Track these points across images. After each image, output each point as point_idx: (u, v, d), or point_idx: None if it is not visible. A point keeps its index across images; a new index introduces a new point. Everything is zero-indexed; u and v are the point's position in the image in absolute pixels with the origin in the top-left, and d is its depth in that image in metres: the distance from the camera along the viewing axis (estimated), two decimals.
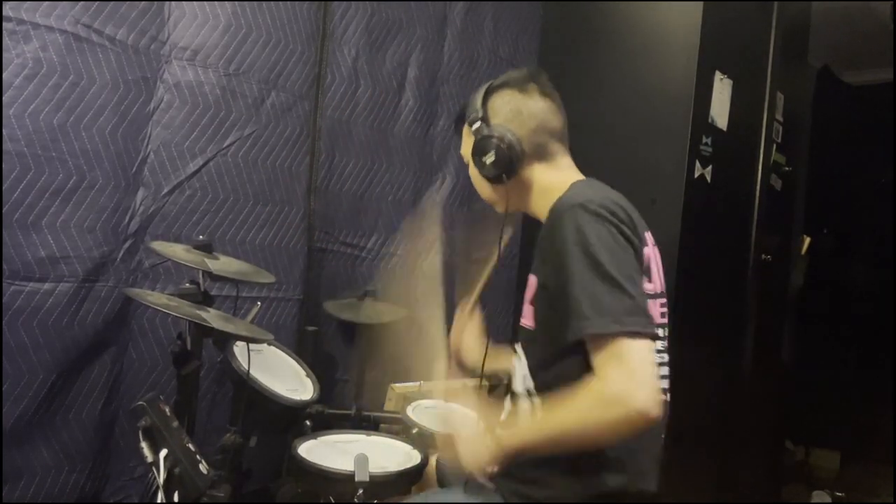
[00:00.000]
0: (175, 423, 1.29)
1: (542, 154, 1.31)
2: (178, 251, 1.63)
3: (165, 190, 1.90)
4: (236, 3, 1.99)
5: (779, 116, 2.85)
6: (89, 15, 1.70)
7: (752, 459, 2.90)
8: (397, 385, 2.22)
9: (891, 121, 3.80)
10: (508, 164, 1.27)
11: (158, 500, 1.21)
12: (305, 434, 1.74)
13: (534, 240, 1.23)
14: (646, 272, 1.20)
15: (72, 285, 1.70)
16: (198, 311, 1.44)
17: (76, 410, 1.75)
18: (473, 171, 1.35)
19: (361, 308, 2.14)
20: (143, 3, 1.80)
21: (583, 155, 1.37)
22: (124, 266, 1.82)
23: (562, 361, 1.15)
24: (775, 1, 2.67)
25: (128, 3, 1.77)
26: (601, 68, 2.52)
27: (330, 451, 1.63)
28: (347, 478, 1.43)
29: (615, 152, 2.38)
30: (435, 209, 1.75)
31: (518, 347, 1.29)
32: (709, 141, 2.41)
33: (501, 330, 2.77)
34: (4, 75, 1.57)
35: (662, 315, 1.27)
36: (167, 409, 1.31)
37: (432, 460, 1.61)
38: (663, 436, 1.28)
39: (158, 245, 1.67)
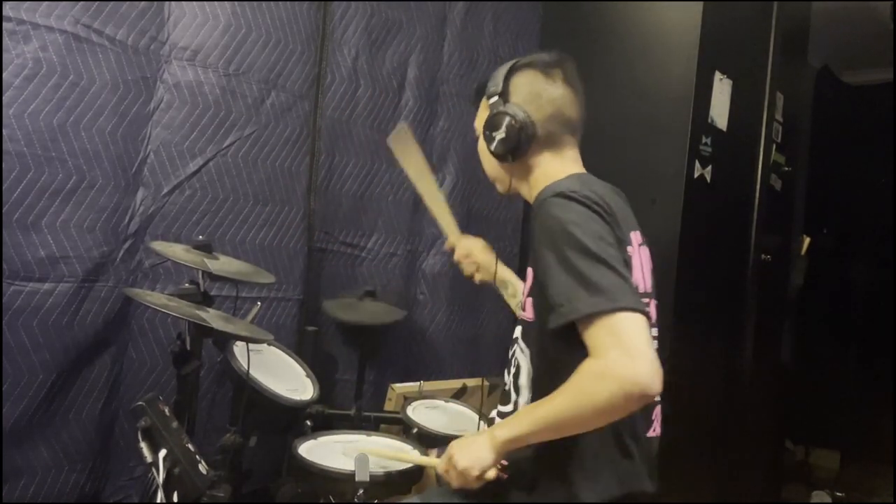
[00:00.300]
0: (175, 423, 1.29)
1: (551, 142, 1.30)
2: (177, 251, 1.63)
3: (165, 190, 1.89)
4: (236, 3, 1.99)
5: (778, 116, 2.85)
6: (89, 15, 1.70)
7: (752, 459, 2.90)
8: (397, 385, 2.23)
9: (891, 121, 3.80)
10: (517, 145, 1.26)
11: (158, 500, 1.21)
12: (305, 434, 1.75)
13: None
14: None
15: (72, 285, 1.69)
16: (197, 312, 1.44)
17: (76, 410, 1.74)
18: (481, 145, 1.34)
19: (361, 308, 2.14)
20: (143, 3, 1.80)
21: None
22: (124, 266, 1.82)
23: (560, 349, 1.14)
24: (775, 1, 2.67)
25: (128, 3, 1.77)
26: (601, 68, 2.52)
27: (330, 451, 1.63)
28: (347, 478, 1.43)
29: (615, 152, 2.37)
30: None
31: (520, 341, 1.28)
32: (708, 141, 2.41)
33: (503, 330, 2.77)
34: (4, 75, 1.57)
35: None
36: (167, 409, 1.31)
37: None
38: (658, 435, 1.28)
39: (158, 245, 1.67)
